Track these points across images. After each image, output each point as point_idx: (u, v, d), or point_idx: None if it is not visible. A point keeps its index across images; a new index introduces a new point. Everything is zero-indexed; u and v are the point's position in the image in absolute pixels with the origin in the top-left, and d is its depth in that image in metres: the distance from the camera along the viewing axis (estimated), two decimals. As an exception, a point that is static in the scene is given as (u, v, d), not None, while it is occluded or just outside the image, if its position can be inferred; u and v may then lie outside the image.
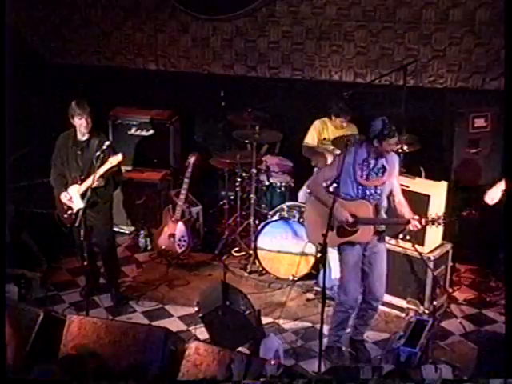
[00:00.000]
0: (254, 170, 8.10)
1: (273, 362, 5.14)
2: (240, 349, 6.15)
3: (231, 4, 8.69)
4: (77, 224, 6.78)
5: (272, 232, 7.89)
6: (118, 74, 9.12)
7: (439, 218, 6.38)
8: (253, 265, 8.05)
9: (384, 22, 8.47)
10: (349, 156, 6.29)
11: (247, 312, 6.49)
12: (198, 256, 8.32)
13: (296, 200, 8.16)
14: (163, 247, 8.08)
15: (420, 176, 7.67)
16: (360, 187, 6.30)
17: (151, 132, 8.72)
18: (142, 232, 8.50)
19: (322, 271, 6.46)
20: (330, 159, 7.84)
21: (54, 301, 7.51)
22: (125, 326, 6.00)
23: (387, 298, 7.12)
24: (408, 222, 6.30)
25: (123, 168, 7.71)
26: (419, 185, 7.25)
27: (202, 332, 6.75)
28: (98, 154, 6.73)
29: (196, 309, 6.78)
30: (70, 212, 6.99)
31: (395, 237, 7.10)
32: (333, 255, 6.92)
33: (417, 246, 7.16)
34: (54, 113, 8.52)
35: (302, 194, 8.08)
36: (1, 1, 6.21)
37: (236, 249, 8.36)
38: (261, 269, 7.99)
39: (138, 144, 8.69)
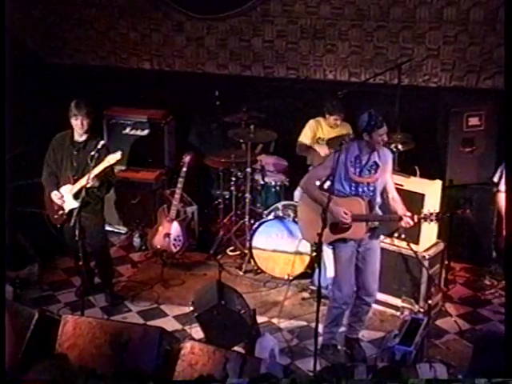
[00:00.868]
0: (248, 170, 8.12)
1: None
2: (235, 348, 6.14)
3: (226, 3, 8.71)
4: (71, 224, 6.76)
5: (267, 231, 7.89)
6: (113, 74, 9.15)
7: (431, 214, 6.39)
8: (248, 264, 8.06)
9: (378, 21, 8.48)
10: (341, 154, 6.30)
11: (242, 311, 6.50)
12: (193, 255, 8.32)
13: (291, 199, 8.16)
14: (158, 247, 8.08)
15: (414, 175, 7.68)
16: (353, 184, 6.32)
17: (146, 132, 8.73)
18: (136, 232, 8.49)
19: (317, 270, 6.49)
20: (324, 158, 7.86)
21: (50, 301, 7.51)
22: (120, 325, 6.00)
23: (382, 296, 7.16)
24: (400, 218, 6.31)
25: (118, 167, 7.73)
26: (414, 184, 7.26)
27: (197, 331, 6.76)
28: (93, 153, 6.73)
29: (191, 308, 6.79)
30: (60, 212, 7.02)
31: (390, 235, 7.11)
32: (328, 254, 6.90)
33: (412, 244, 7.18)
34: (50, 112, 8.54)
35: (298, 193, 8.06)
36: (1, 1, 6.17)
37: (231, 248, 8.38)
38: (256, 268, 8.00)
39: (132, 143, 8.69)
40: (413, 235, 7.13)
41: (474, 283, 7.94)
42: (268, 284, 7.87)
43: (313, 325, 6.38)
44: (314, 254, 7.31)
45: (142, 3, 8.92)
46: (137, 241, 8.48)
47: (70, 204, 6.94)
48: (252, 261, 8.01)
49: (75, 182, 6.90)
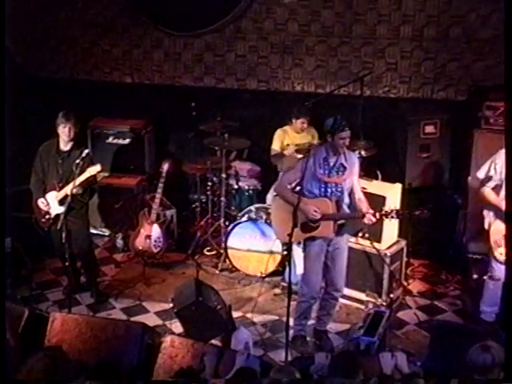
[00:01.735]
0: (223, 175, 8.12)
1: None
2: (212, 341, 6.15)
3: (201, 21, 8.66)
4: (58, 227, 6.75)
5: (241, 232, 7.89)
6: (97, 87, 9.08)
7: (392, 211, 6.38)
8: (223, 263, 8.06)
9: (341, 37, 8.49)
10: (310, 159, 6.35)
11: (219, 307, 6.51)
12: (173, 255, 8.30)
13: (263, 202, 8.17)
14: (140, 248, 8.04)
15: (377, 178, 7.73)
16: (322, 185, 6.35)
17: (128, 140, 8.69)
18: (119, 234, 8.47)
19: (287, 268, 6.48)
20: (293, 163, 7.86)
21: (39, 299, 7.47)
22: (105, 321, 6.03)
23: (348, 291, 7.19)
24: (363, 215, 6.33)
25: (102, 174, 7.70)
26: (376, 187, 7.30)
27: (176, 326, 6.76)
28: (77, 161, 6.72)
29: (171, 305, 6.82)
30: (47, 217, 7.00)
31: (355, 235, 7.12)
32: (297, 253, 6.88)
33: (374, 243, 7.24)
34: (37, 122, 8.52)
35: (270, 196, 8.09)
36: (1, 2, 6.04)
37: (208, 248, 8.36)
38: (231, 266, 8.00)
39: (115, 152, 8.65)
40: (375, 234, 7.19)
41: (431, 278, 7.99)
42: (242, 281, 7.87)
43: (284, 319, 6.37)
44: (285, 252, 7.32)
45: (123, 21, 8.87)
46: (120, 242, 8.46)
47: (56, 209, 6.92)
48: (227, 260, 8.00)
49: (60, 188, 6.88)
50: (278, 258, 7.75)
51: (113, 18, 8.87)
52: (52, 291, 7.65)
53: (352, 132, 6.59)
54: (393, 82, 8.52)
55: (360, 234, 7.21)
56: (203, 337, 6.07)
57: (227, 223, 8.15)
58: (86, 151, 6.85)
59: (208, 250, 8.35)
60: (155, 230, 8.03)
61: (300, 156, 7.41)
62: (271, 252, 7.77)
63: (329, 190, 6.37)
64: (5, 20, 6.42)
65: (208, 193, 8.32)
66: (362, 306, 7.32)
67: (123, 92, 9.04)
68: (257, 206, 8.05)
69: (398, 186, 7.34)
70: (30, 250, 7.85)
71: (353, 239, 7.10)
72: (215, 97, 8.83)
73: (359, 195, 6.49)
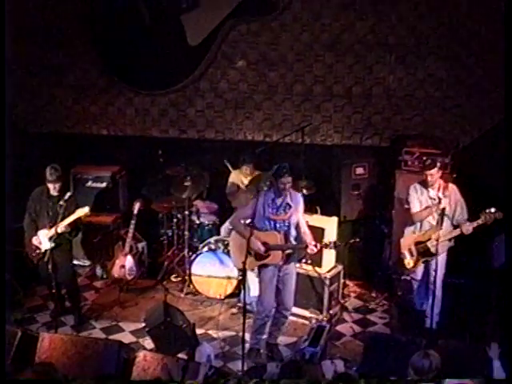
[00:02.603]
0: (186, 212, 8.06)
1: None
2: (179, 355, 6.10)
3: (166, 82, 8.70)
4: (45, 259, 6.74)
5: (202, 261, 7.86)
6: (78, 139, 9.01)
7: (330, 243, 6.52)
8: (188, 288, 8.00)
9: (285, 95, 8.56)
10: (260, 198, 6.41)
11: (184, 325, 6.50)
12: (144, 282, 8.21)
13: (220, 234, 8.15)
14: (116, 276, 7.96)
15: (316, 213, 7.75)
16: (271, 221, 6.41)
17: (104, 184, 8.60)
18: (98, 264, 8.37)
19: (242, 291, 6.51)
20: (245, 201, 7.80)
21: (30, 321, 7.38)
22: (86, 340, 5.97)
23: (295, 309, 7.15)
24: (307, 246, 6.39)
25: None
26: (316, 220, 7.37)
27: (148, 343, 6.74)
28: (61, 203, 6.72)
29: (143, 324, 6.81)
30: (37, 251, 6.94)
31: (299, 261, 7.13)
32: (251, 278, 6.95)
33: (316, 267, 7.30)
34: (26, 170, 8.39)
35: (223, 228, 8.09)
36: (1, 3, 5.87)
37: (174, 275, 8.29)
38: (194, 290, 7.94)
39: (94, 194, 8.54)
40: (317, 260, 7.24)
41: (363, 296, 8.03)
42: (204, 303, 7.82)
43: (240, 334, 6.37)
44: (240, 278, 7.34)
45: (100, 83, 8.84)
46: (99, 271, 8.36)
47: (46, 245, 6.86)
48: (191, 285, 7.95)
49: (51, 227, 6.82)
50: (235, 282, 7.72)
51: (91, 81, 8.83)
52: (40, 315, 7.55)
53: (295, 174, 6.68)
54: (328, 132, 8.62)
55: (304, 260, 7.23)
56: (171, 351, 6.07)
57: (190, 253, 8.07)
58: (69, 194, 6.83)
59: (175, 277, 8.27)
60: (129, 261, 7.95)
61: (251, 196, 7.45)
62: (229, 277, 7.75)
63: (277, 225, 6.43)
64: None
65: (174, 227, 8.28)
66: (307, 322, 7.30)
67: (100, 143, 9.00)
68: (215, 238, 8.03)
69: (335, 219, 7.44)
70: (20, 279, 7.73)
71: (298, 264, 7.08)
72: (179, 146, 8.83)
73: (304, 229, 6.54)
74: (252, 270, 6.72)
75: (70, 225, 6.84)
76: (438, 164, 6.82)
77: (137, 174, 9.01)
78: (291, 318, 7.15)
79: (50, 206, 6.92)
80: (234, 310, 7.64)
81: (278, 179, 6.32)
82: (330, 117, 8.56)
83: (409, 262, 7.04)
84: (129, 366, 5.43)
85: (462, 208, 6.85)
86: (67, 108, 9.01)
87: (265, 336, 6.80)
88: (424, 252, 6.93)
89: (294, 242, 6.52)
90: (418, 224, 6.99)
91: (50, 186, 6.88)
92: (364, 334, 7.15)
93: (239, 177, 8.24)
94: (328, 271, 7.37)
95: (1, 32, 6.62)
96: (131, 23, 8.28)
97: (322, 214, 7.77)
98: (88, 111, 9.01)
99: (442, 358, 5.41)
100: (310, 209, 7.66)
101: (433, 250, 6.81)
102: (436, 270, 6.80)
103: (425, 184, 6.89)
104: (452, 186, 6.90)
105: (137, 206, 7.98)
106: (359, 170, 8.17)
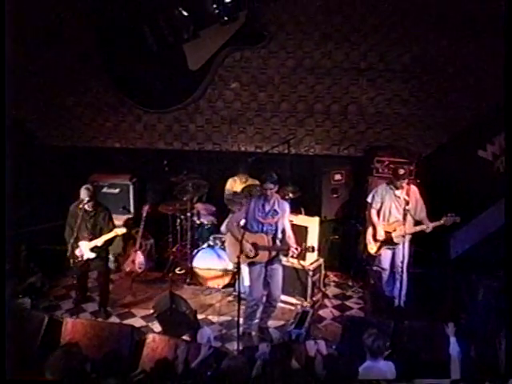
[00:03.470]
0: (188, 214, 8.08)
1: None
2: (183, 337, 6.15)
3: (170, 101, 8.61)
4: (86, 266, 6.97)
5: (203, 256, 7.91)
6: (94, 151, 9.00)
7: (309, 247, 6.61)
8: (190, 279, 8.03)
9: (273, 112, 8.54)
10: (252, 203, 6.48)
11: (187, 311, 6.52)
12: (153, 274, 8.25)
13: (218, 233, 8.14)
14: (128, 269, 8.03)
15: (301, 213, 7.82)
16: (260, 224, 6.46)
17: (118, 190, 8.61)
18: (113, 259, 8.35)
19: (237, 281, 6.58)
20: (240, 205, 7.84)
21: (55, 308, 7.42)
22: (103, 324, 6.10)
23: (282, 297, 7.16)
24: (289, 249, 6.43)
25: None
26: (300, 220, 7.45)
27: (156, 327, 6.79)
28: (99, 219, 6.91)
29: (152, 311, 6.85)
30: (79, 259, 6.95)
31: (286, 256, 7.10)
32: (245, 270, 6.97)
33: (301, 261, 7.35)
34: (49, 181, 8.48)
35: (223, 227, 8.06)
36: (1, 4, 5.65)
37: (178, 268, 8.30)
38: (196, 281, 7.97)
39: (109, 199, 8.47)
40: (301, 255, 7.12)
41: (341, 285, 8.08)
42: (204, 292, 7.86)
43: (236, 319, 6.42)
44: (235, 270, 7.33)
45: (113, 103, 8.81)
46: (111, 265, 8.31)
47: (88, 255, 6.92)
48: (193, 276, 7.99)
49: (90, 240, 6.87)
50: (230, 274, 7.76)
51: (106, 101, 8.80)
52: (64, 302, 7.60)
53: (282, 181, 6.74)
54: (310, 144, 8.60)
55: (290, 255, 7.29)
56: (176, 334, 6.09)
57: (192, 249, 8.10)
58: (106, 211, 7.01)
59: (179, 270, 8.29)
60: (139, 256, 8.01)
61: (244, 200, 7.48)
62: (225, 270, 7.79)
63: (265, 228, 6.46)
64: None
65: (177, 227, 8.28)
66: (293, 307, 7.36)
67: (114, 154, 8.98)
68: (214, 236, 8.05)
69: (317, 219, 7.51)
70: (47, 272, 7.82)
71: (285, 259, 7.09)
72: (182, 156, 8.81)
73: (289, 233, 6.55)
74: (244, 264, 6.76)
75: (108, 240, 6.92)
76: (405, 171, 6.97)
77: (146, 181, 8.97)
78: (280, 304, 7.18)
79: (87, 220, 6.91)
80: (230, 298, 7.67)
81: (262, 185, 6.41)
82: (312, 130, 8.56)
83: (372, 247, 7.16)
84: (140, 347, 5.49)
85: (422, 207, 6.98)
86: (86, 124, 8.96)
87: (255, 321, 6.82)
88: (387, 241, 7.04)
89: (279, 244, 6.54)
90: (386, 216, 7.08)
91: (86, 203, 6.85)
92: (342, 317, 7.19)
93: (235, 183, 8.25)
94: (311, 264, 7.43)
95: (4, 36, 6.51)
96: (140, 51, 8.32)
97: (306, 214, 7.83)
98: (103, 127, 8.97)
99: (407, 336, 5.57)
100: (295, 210, 7.74)
101: (396, 240, 6.94)
102: (403, 262, 6.93)
103: (393, 185, 7.01)
104: (413, 188, 7.04)
105: (145, 209, 8.04)
106: (337, 177, 8.23)
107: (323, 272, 7.72)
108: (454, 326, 5.04)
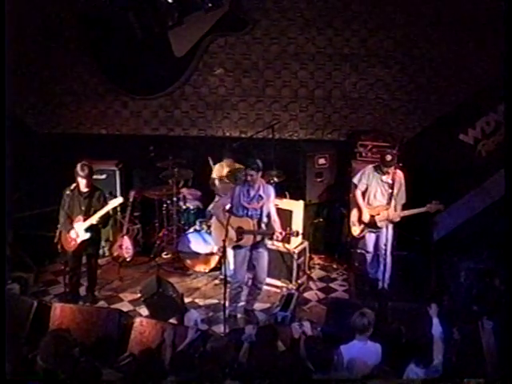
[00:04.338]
0: (174, 199, 8.03)
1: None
2: (170, 320, 6.12)
3: (156, 88, 8.62)
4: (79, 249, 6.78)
5: (189, 240, 7.86)
6: (82, 137, 8.88)
7: (293, 232, 6.58)
8: (177, 263, 7.98)
9: (257, 97, 8.51)
10: (237, 188, 6.47)
11: (174, 295, 6.50)
12: (140, 259, 8.17)
13: (204, 217, 8.05)
14: (115, 254, 7.96)
15: (286, 197, 7.78)
16: (245, 209, 6.43)
17: (104, 175, 8.44)
18: (104, 244, 8.23)
19: (223, 265, 6.57)
20: (226, 190, 7.81)
21: (44, 293, 7.35)
22: (92, 309, 6.04)
23: (268, 280, 7.15)
24: (273, 233, 6.43)
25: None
26: (285, 203, 7.43)
27: (144, 311, 6.73)
28: (93, 198, 6.74)
29: (139, 295, 6.81)
30: (73, 243, 6.79)
31: (271, 239, 7.13)
32: (230, 253, 6.95)
33: (286, 244, 7.33)
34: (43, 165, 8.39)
35: (209, 208, 7.99)
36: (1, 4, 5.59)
37: (165, 253, 8.25)
38: (182, 265, 7.93)
39: (96, 184, 8.39)
40: (286, 238, 7.12)
41: (326, 267, 8.06)
42: (191, 276, 7.83)
43: (222, 302, 6.43)
44: (221, 254, 7.35)
45: (100, 90, 8.74)
46: (101, 250, 8.30)
47: (83, 236, 6.75)
48: (179, 260, 7.95)
49: (85, 220, 6.71)
50: (216, 258, 7.72)
51: (92, 88, 8.73)
52: (53, 287, 7.52)
53: (267, 165, 6.70)
54: (295, 128, 8.59)
55: (275, 238, 7.29)
56: (163, 317, 6.07)
57: (178, 234, 8.08)
58: (99, 190, 6.89)
59: (165, 254, 8.24)
60: (126, 241, 7.93)
61: (231, 185, 7.45)
62: (211, 254, 7.74)
63: (250, 212, 6.44)
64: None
65: (164, 212, 8.22)
66: (278, 290, 7.34)
67: (101, 141, 8.90)
68: (200, 220, 7.99)
69: (301, 203, 7.49)
70: (35, 258, 7.75)
71: (270, 242, 7.09)
72: (168, 142, 8.75)
73: (274, 217, 6.53)
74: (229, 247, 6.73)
75: (103, 216, 6.73)
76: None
77: (132, 167, 8.90)
78: (265, 287, 7.17)
79: (82, 201, 6.77)
80: (217, 282, 7.64)
81: (245, 171, 6.40)
82: (296, 116, 8.54)
83: (355, 229, 7.15)
84: (127, 331, 5.46)
85: (402, 193, 6.96)
86: (72, 111, 8.88)
87: (241, 304, 6.82)
88: (370, 224, 7.03)
89: (264, 228, 6.51)
90: (371, 199, 7.05)
91: (81, 180, 6.70)
92: (327, 299, 7.20)
93: (221, 169, 8.19)
94: (296, 247, 7.41)
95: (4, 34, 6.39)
96: (126, 38, 8.25)
97: (291, 198, 7.81)
98: (89, 114, 8.89)
99: (392, 317, 5.57)
100: (280, 194, 7.70)
101: (379, 224, 6.93)
102: (386, 244, 6.92)
103: (380, 170, 6.97)
104: (399, 173, 7.00)
105: (132, 194, 7.97)
106: (321, 161, 8.19)
107: (308, 255, 7.71)
108: (437, 307, 5.04)
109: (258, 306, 7.02)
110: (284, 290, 7.21)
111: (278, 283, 7.42)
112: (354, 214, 7.15)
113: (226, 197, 6.62)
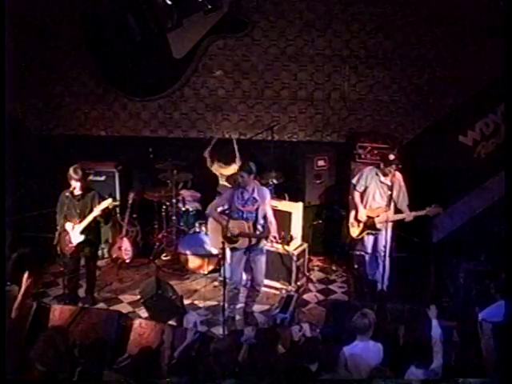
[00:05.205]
0: (174, 200, 8.04)
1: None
2: (169, 322, 6.11)
3: (155, 89, 8.60)
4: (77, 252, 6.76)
5: (188, 242, 7.88)
6: (81, 139, 8.85)
7: (286, 238, 6.59)
8: (176, 264, 7.99)
9: (257, 99, 8.49)
10: (231, 191, 6.48)
11: (173, 297, 6.48)
12: (139, 260, 8.15)
13: (203, 219, 7.94)
14: (114, 256, 7.96)
15: (285, 199, 7.79)
16: (240, 211, 6.42)
17: (104, 177, 8.45)
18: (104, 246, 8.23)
19: (222, 267, 6.59)
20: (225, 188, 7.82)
21: (43, 295, 7.33)
22: (91, 310, 6.02)
23: (267, 281, 7.20)
24: (267, 237, 6.40)
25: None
26: (284, 205, 7.43)
27: (143, 312, 6.72)
28: (86, 199, 6.72)
29: (139, 296, 6.79)
30: (70, 245, 6.76)
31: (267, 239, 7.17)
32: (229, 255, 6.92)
33: (285, 246, 7.25)
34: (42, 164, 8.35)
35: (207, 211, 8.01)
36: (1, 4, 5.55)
37: (164, 254, 8.25)
38: (182, 267, 7.93)
39: (95, 186, 8.32)
40: (286, 240, 7.18)
41: (325, 269, 8.07)
42: (190, 277, 7.82)
43: (221, 304, 6.42)
44: (220, 255, 7.36)
45: (99, 92, 8.70)
46: (100, 252, 8.23)
47: (77, 239, 6.73)
48: (179, 262, 7.96)
49: (80, 222, 6.70)
50: (215, 259, 7.71)
51: (91, 90, 8.70)
52: (52, 289, 7.51)
53: (265, 166, 6.67)
54: (294, 130, 8.56)
55: (274, 240, 7.29)
56: (162, 319, 6.06)
57: (178, 235, 8.09)
58: (93, 192, 6.85)
59: (164, 256, 8.24)
60: (125, 242, 7.94)
61: (229, 186, 7.48)
62: (210, 255, 7.74)
63: (245, 215, 6.43)
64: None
65: (163, 213, 8.21)
66: (278, 292, 7.33)
67: (100, 142, 8.86)
68: (199, 222, 8.00)
69: (300, 205, 7.50)
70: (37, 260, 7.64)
71: (269, 244, 6.96)
72: (167, 144, 8.71)
73: (271, 219, 6.50)
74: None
75: (100, 216, 6.70)
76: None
77: (131, 169, 8.89)
78: (264, 289, 7.18)
79: (76, 204, 6.75)
80: (216, 283, 7.63)
81: (239, 172, 6.41)
82: (295, 117, 8.53)
83: (354, 231, 7.14)
84: (127, 332, 5.47)
85: (404, 194, 6.96)
86: (71, 113, 8.85)
87: (239, 306, 6.81)
88: (369, 225, 7.02)
89: (261, 230, 6.49)
90: (369, 201, 7.04)
91: (74, 183, 6.68)
92: (326, 301, 7.21)
93: (221, 168, 8.21)
94: (295, 249, 7.41)
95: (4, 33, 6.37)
96: (125, 40, 8.25)
97: (290, 200, 7.81)
98: (89, 115, 8.86)
99: (390, 318, 5.57)
100: (279, 196, 7.78)
101: (378, 226, 6.93)
102: (385, 246, 6.92)
103: (380, 171, 6.96)
104: (398, 175, 7.00)
105: (131, 196, 7.97)
106: (320, 163, 8.18)
107: (307, 257, 7.70)
108: (436, 309, 5.04)
109: (257, 307, 7.02)
110: (283, 291, 7.18)
111: (277, 285, 7.41)
112: (353, 214, 7.16)
113: (220, 199, 6.66)
